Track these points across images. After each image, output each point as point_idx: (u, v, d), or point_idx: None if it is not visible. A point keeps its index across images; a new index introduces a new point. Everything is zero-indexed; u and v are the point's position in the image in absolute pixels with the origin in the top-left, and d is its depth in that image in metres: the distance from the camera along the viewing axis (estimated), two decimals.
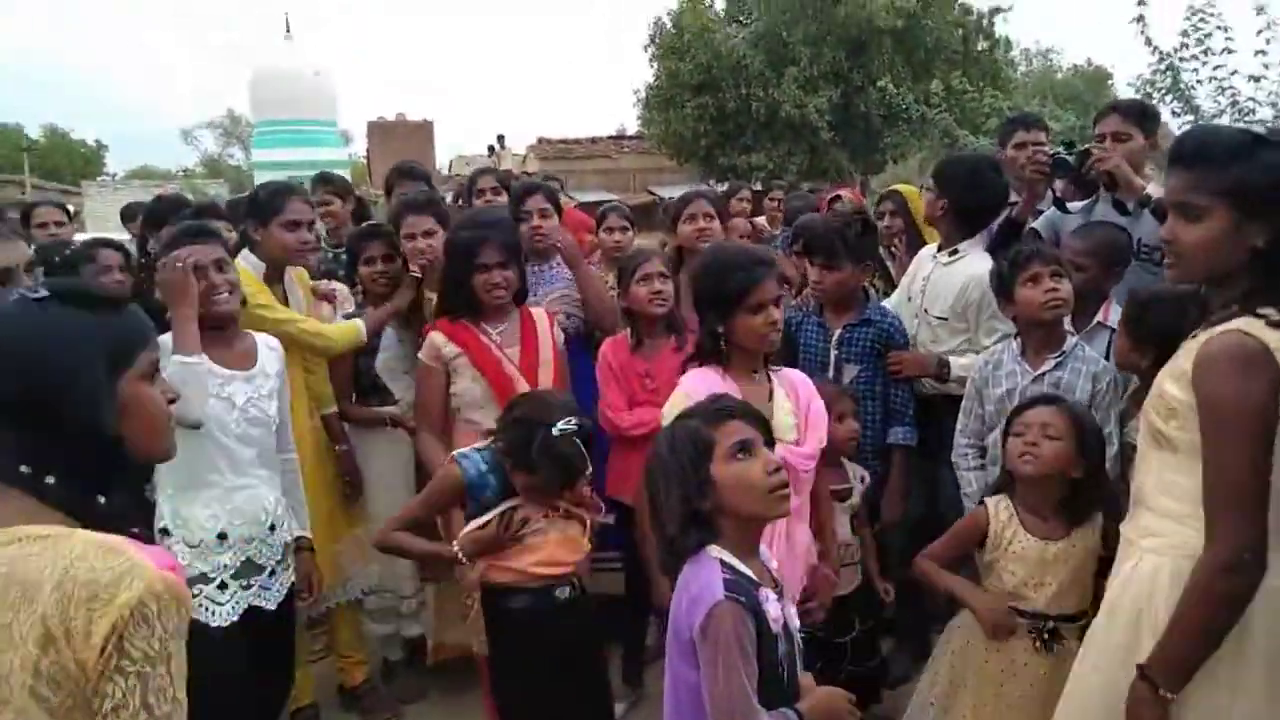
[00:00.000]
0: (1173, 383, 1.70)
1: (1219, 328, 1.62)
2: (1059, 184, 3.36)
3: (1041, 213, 3.43)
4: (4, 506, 1.14)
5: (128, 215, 5.81)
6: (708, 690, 1.61)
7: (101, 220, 18.63)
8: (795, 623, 1.82)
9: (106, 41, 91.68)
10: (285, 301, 3.20)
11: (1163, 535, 1.72)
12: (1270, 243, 1.60)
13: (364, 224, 4.18)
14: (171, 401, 1.33)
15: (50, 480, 1.15)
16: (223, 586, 2.48)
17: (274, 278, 3.16)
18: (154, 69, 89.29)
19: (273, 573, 2.60)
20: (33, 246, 3.28)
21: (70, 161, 45.59)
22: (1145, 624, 1.70)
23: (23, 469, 1.15)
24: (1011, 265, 2.76)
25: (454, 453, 2.42)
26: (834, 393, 2.82)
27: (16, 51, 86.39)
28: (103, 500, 1.20)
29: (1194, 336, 1.70)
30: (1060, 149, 3.21)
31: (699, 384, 2.36)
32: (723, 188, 7.60)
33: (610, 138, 26.63)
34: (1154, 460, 1.77)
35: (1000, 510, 2.44)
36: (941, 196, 3.26)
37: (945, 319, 3.19)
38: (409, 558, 2.81)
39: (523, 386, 2.86)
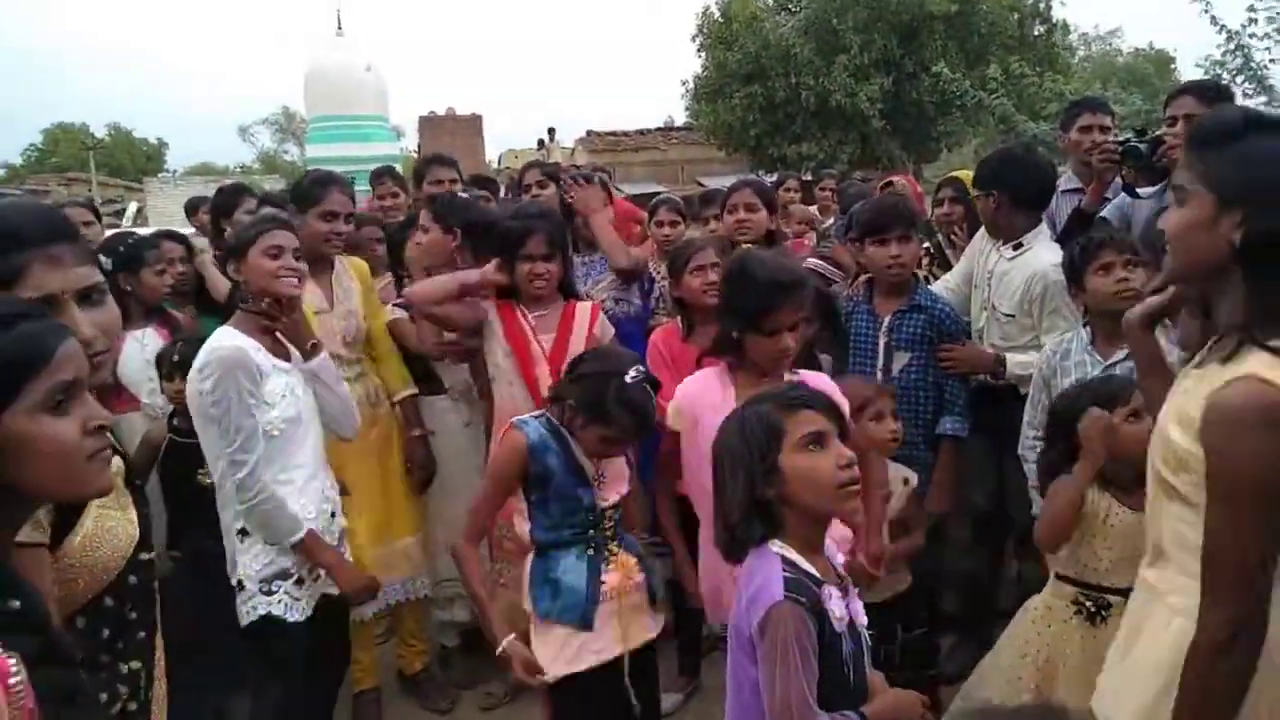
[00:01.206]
0: (1180, 431, 1.47)
1: (1230, 370, 1.40)
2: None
3: (1109, 200, 3.32)
4: None
5: (191, 209, 5.96)
6: (766, 691, 1.58)
7: (163, 215, 19.12)
8: (862, 620, 1.77)
9: (166, 41, 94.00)
10: (332, 294, 3.22)
11: (1189, 595, 1.49)
12: (1246, 241, 1.38)
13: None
14: (101, 429, 1.18)
15: None
16: (299, 582, 2.49)
17: (315, 269, 3.14)
18: (211, 67, 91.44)
19: None
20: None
21: (133, 159, 46.87)
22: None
23: None
24: (1083, 253, 2.67)
25: (511, 420, 2.41)
26: (872, 391, 2.71)
27: (81, 52, 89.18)
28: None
29: (1199, 364, 1.51)
30: (1130, 136, 3.10)
31: (698, 390, 2.48)
32: (772, 178, 7.51)
33: (658, 130, 26.54)
34: (1166, 510, 1.56)
35: (1100, 492, 2.30)
36: (992, 194, 3.17)
37: (1013, 316, 3.11)
38: (466, 591, 2.64)
39: (544, 371, 2.90)
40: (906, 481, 2.84)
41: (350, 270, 3.34)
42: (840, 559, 1.84)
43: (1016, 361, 3.02)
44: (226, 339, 2.44)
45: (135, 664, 1.67)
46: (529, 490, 2.34)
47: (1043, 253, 3.08)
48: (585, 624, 2.29)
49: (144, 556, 1.72)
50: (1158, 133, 3.04)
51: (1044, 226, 3.20)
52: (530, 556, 2.38)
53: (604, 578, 2.32)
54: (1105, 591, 2.30)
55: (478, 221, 3.28)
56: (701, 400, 2.45)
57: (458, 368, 3.36)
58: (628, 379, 2.24)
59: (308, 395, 2.59)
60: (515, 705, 3.36)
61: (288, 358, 2.58)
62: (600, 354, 2.47)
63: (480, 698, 3.45)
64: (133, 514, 1.69)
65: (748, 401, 1.84)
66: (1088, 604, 2.32)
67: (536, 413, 2.41)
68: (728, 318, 2.45)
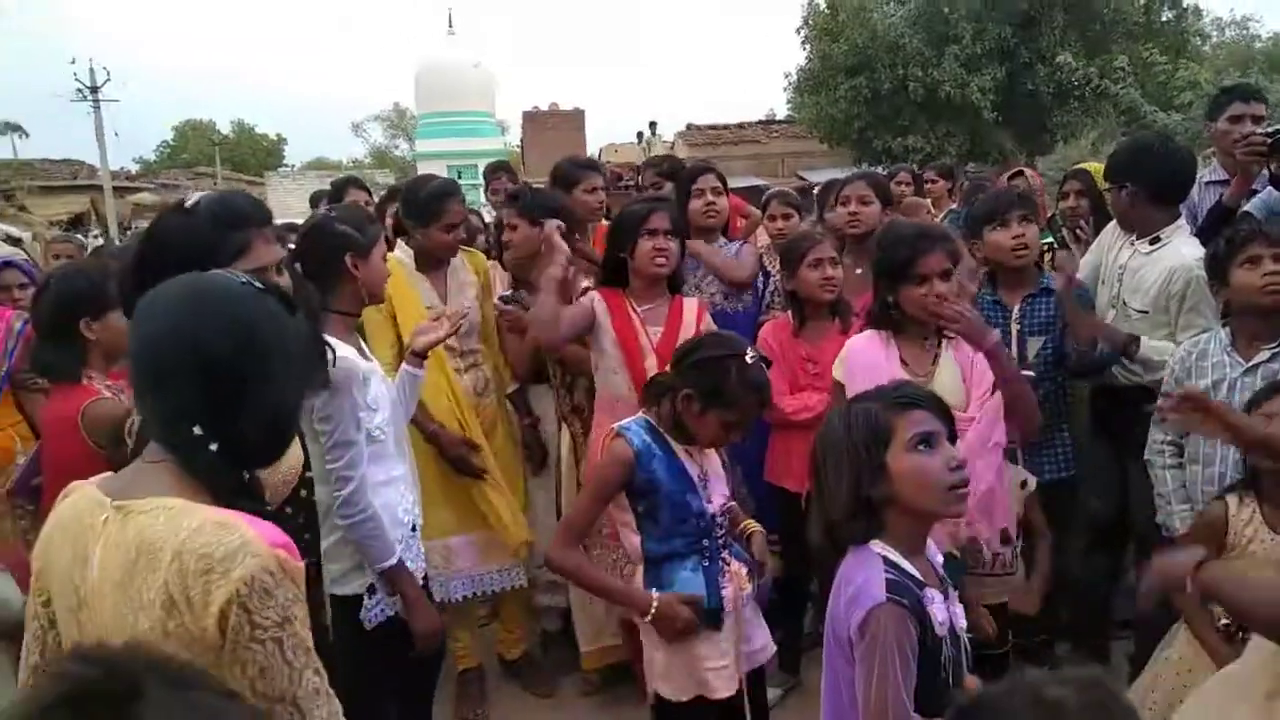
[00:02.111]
0: None
1: None
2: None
3: (1255, 193, 3.11)
4: (152, 476, 1.22)
5: (314, 202, 6.22)
6: (862, 693, 1.54)
7: (283, 207, 19.99)
8: (962, 624, 1.72)
9: (285, 41, 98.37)
10: (445, 288, 3.28)
11: None
12: None
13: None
14: None
15: (213, 447, 1.21)
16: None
17: (427, 267, 3.25)
18: (326, 66, 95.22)
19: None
20: None
21: (254, 154, 49.23)
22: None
23: (195, 430, 1.20)
24: (1229, 245, 2.52)
25: (613, 426, 2.35)
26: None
27: (208, 53, 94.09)
28: (246, 477, 1.28)
29: None
30: (1279, 128, 2.91)
31: (860, 347, 2.57)
32: (879, 171, 7.34)
33: (759, 123, 26.30)
34: None
35: (1241, 509, 2.22)
36: (1127, 186, 3.01)
37: (1146, 312, 2.96)
38: (587, 589, 2.56)
39: (653, 363, 2.85)
40: (1024, 485, 2.73)
41: (468, 264, 3.40)
42: (940, 558, 1.78)
43: (1152, 346, 2.87)
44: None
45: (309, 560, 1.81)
46: (635, 500, 2.27)
47: (1182, 247, 2.93)
48: (714, 623, 2.24)
49: (308, 474, 2.08)
50: None
51: (1183, 221, 3.03)
52: (640, 571, 2.31)
53: (723, 589, 2.27)
54: None
55: (565, 210, 3.31)
56: (865, 356, 2.54)
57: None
58: (748, 359, 2.20)
59: (391, 389, 2.52)
60: (613, 692, 3.39)
61: (368, 356, 2.52)
62: (714, 338, 2.40)
63: (580, 683, 3.50)
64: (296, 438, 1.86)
65: (856, 397, 1.79)
66: (1229, 624, 2.19)
67: (636, 418, 2.33)
68: (882, 282, 2.56)
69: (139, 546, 1.15)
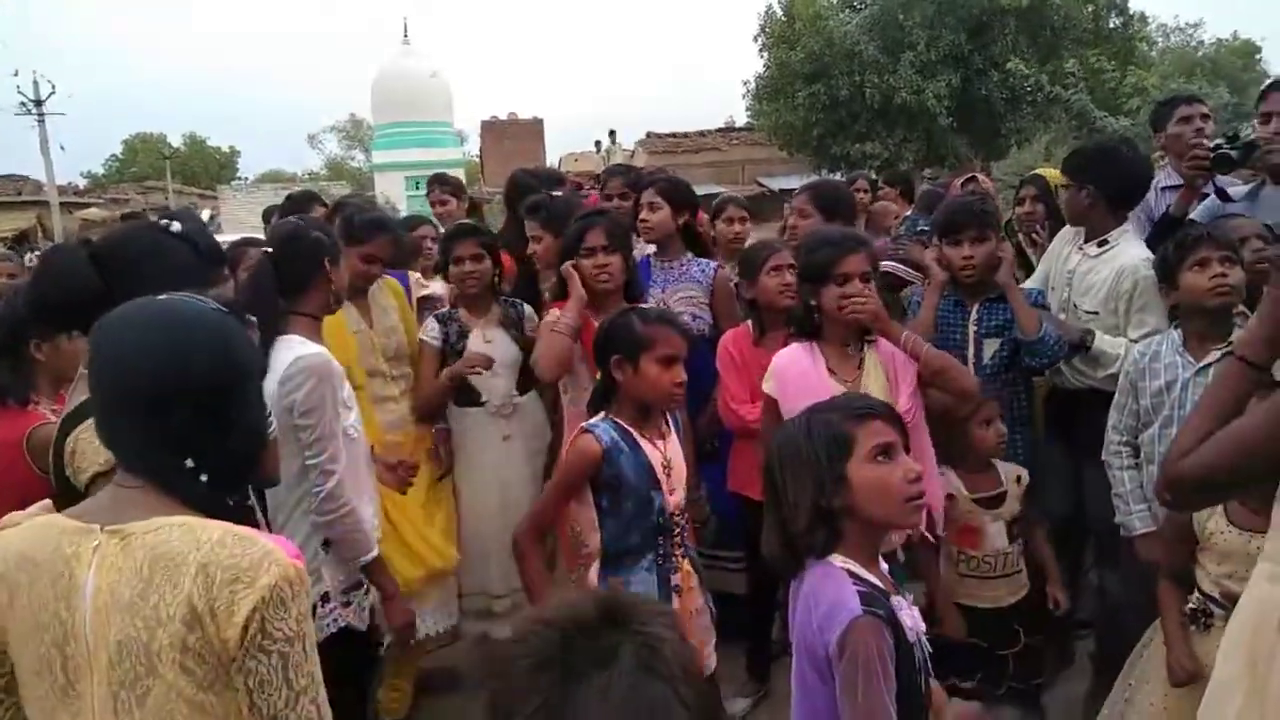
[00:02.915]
0: None
1: None
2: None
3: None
4: (140, 500, 1.22)
5: (266, 217, 6.12)
6: (847, 708, 1.53)
7: (237, 221, 19.69)
8: (922, 627, 1.73)
9: (236, 51, 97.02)
10: (370, 313, 3.23)
11: (1275, 560, 1.53)
12: None
13: (456, 224, 4.21)
14: None
15: (203, 477, 1.23)
16: (368, 590, 2.48)
17: (353, 290, 3.10)
18: (281, 77, 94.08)
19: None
20: None
21: (207, 167, 48.50)
22: (1260, 668, 1.50)
23: (187, 463, 1.22)
24: (1178, 249, 2.57)
25: (581, 424, 2.39)
26: (979, 399, 2.76)
27: (159, 65, 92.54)
28: (230, 502, 1.31)
29: None
30: (1222, 140, 2.98)
31: (788, 360, 2.61)
32: (835, 178, 7.41)
33: (719, 130, 26.47)
34: None
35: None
36: (1085, 186, 3.06)
37: (1096, 313, 3.01)
38: (525, 580, 2.50)
39: None
40: (1019, 480, 2.81)
41: (386, 289, 3.37)
42: (886, 566, 1.80)
43: (1106, 340, 2.92)
44: (306, 348, 2.36)
45: None
46: (599, 496, 2.31)
47: (1130, 249, 2.99)
48: None
49: None
50: (1250, 137, 2.91)
51: (1130, 225, 3.09)
52: (596, 567, 2.34)
53: (673, 597, 2.29)
54: (1214, 603, 2.23)
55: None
56: (794, 368, 2.58)
57: (496, 380, 3.33)
58: (643, 307, 2.38)
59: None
60: None
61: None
62: (608, 321, 2.47)
63: None
64: None
65: (813, 408, 1.79)
66: (1195, 609, 2.26)
67: (601, 417, 2.36)
68: (804, 286, 2.62)
69: (153, 564, 1.15)
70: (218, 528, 1.19)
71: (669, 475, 2.34)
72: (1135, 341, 2.89)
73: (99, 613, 1.16)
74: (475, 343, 3.33)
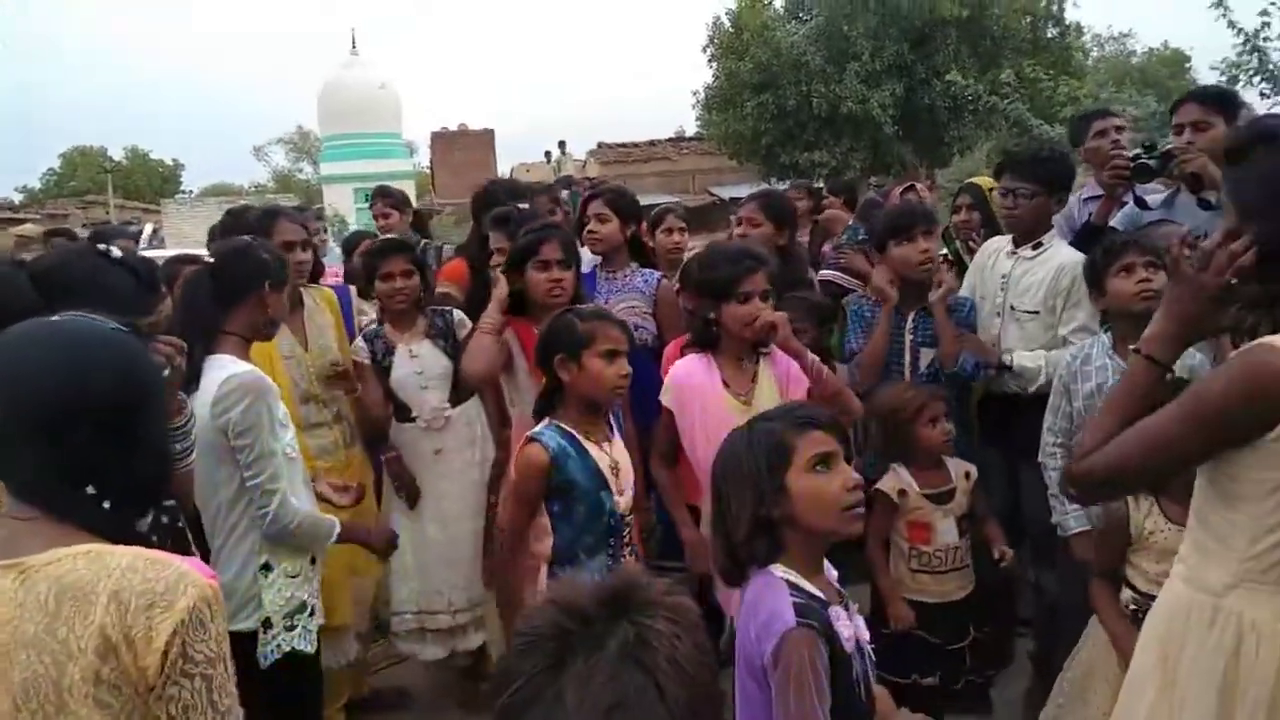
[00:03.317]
0: None
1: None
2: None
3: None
4: (34, 533, 1.15)
5: (212, 237, 6.00)
6: (780, 719, 1.55)
7: (180, 236, 19.28)
8: (865, 637, 1.75)
9: (180, 63, 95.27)
10: (305, 333, 3.18)
11: (1189, 561, 1.59)
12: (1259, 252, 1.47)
13: (380, 239, 4.17)
14: None
15: (105, 504, 1.18)
16: (312, 613, 2.45)
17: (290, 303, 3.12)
18: (226, 88, 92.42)
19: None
20: None
21: (149, 181, 47.39)
22: (1170, 663, 1.56)
23: (88, 490, 1.17)
24: (1105, 255, 2.65)
25: (526, 434, 2.39)
26: (926, 397, 2.82)
27: (98, 77, 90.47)
28: (144, 521, 1.28)
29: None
30: (1140, 151, 3.08)
31: (685, 372, 2.65)
32: (783, 186, 7.50)
33: (669, 140, 26.62)
34: (1199, 483, 1.63)
35: (1139, 505, 2.33)
36: (1027, 187, 3.11)
37: (1037, 313, 3.09)
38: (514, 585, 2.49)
39: None
40: (968, 475, 2.87)
41: (322, 303, 3.32)
42: (835, 573, 1.81)
43: (1024, 355, 3.02)
44: (238, 366, 2.33)
45: None
46: (550, 501, 2.33)
47: (1064, 249, 3.10)
48: None
49: (169, 503, 1.98)
50: (1167, 146, 3.01)
51: (1060, 232, 3.20)
52: (544, 573, 2.35)
53: None
54: (1150, 599, 2.27)
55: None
56: (690, 380, 2.63)
57: (425, 394, 3.31)
58: (579, 306, 2.44)
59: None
60: None
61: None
62: (547, 323, 2.50)
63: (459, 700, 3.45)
64: None
65: (755, 418, 1.82)
66: (1135, 610, 2.31)
67: (546, 424, 2.37)
68: (702, 302, 2.65)
69: (59, 596, 1.10)
70: (126, 553, 1.15)
71: (617, 476, 2.37)
72: (1066, 337, 2.97)
73: (1, 652, 1.10)
74: (402, 358, 3.30)
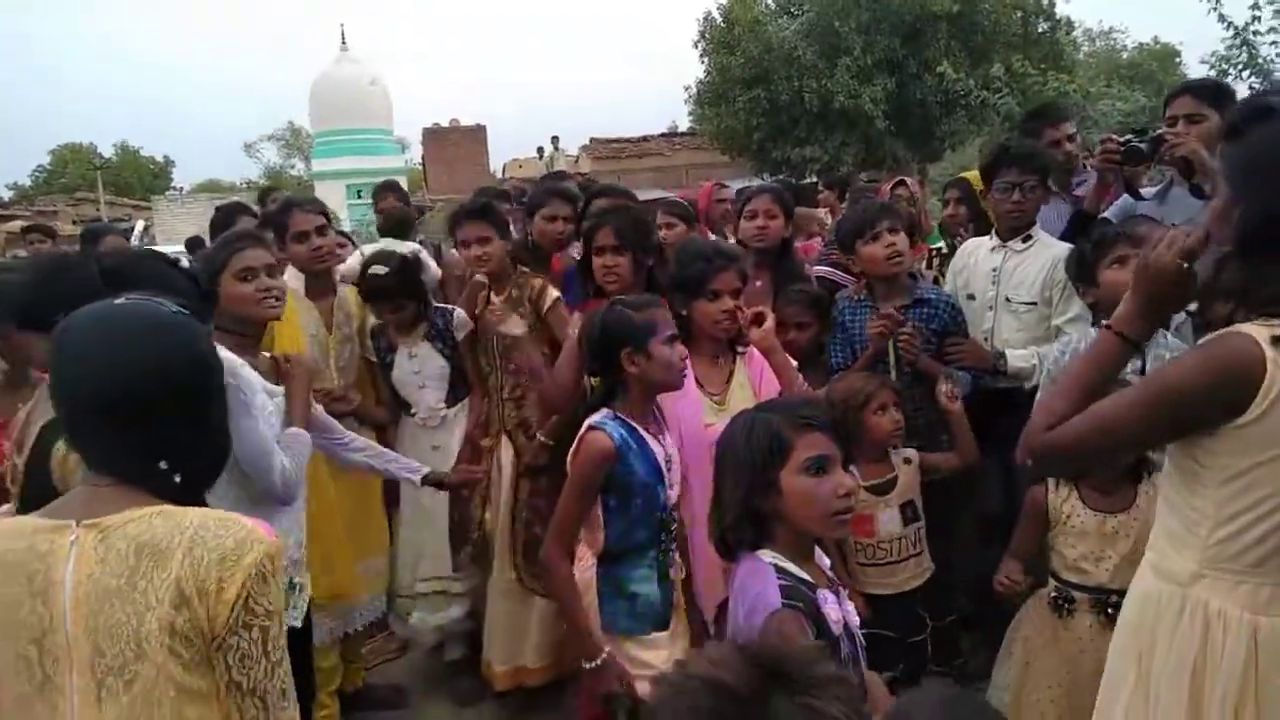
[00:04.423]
0: None
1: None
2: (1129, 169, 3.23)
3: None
4: (113, 497, 1.25)
5: (213, 233, 5.99)
6: None
7: (171, 232, 19.22)
8: (855, 621, 1.77)
9: (172, 59, 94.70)
10: (332, 318, 3.24)
11: (1159, 550, 1.60)
12: (1242, 229, 1.45)
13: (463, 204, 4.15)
14: None
15: (176, 479, 1.28)
16: (301, 590, 2.46)
17: (317, 292, 3.22)
18: (217, 85, 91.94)
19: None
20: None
21: (140, 177, 47.11)
22: (1144, 659, 1.57)
23: (161, 465, 1.26)
24: (1096, 248, 2.66)
25: (587, 422, 2.29)
26: (874, 385, 2.79)
27: (88, 72, 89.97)
28: (205, 496, 1.36)
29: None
30: (1131, 136, 3.09)
31: None
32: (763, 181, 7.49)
33: (662, 135, 26.62)
34: (1166, 473, 1.64)
35: (1059, 487, 2.43)
36: (1032, 178, 3.13)
37: (1034, 304, 3.10)
38: (560, 601, 2.41)
39: None
40: (908, 461, 2.86)
41: (352, 300, 3.37)
42: (827, 561, 1.85)
43: (1017, 355, 3.03)
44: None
45: None
46: (606, 495, 2.26)
47: (1053, 242, 3.13)
48: (662, 625, 2.29)
49: None
50: (1158, 131, 3.02)
51: (1043, 225, 3.24)
52: (594, 569, 2.28)
53: (671, 590, 2.32)
54: (1072, 587, 2.42)
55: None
56: None
57: (423, 392, 3.39)
58: (622, 298, 2.40)
59: (278, 427, 2.45)
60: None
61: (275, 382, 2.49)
62: (597, 320, 2.41)
63: (453, 698, 3.47)
64: None
65: (760, 406, 1.84)
66: (1056, 596, 2.44)
67: (605, 413, 2.28)
68: (676, 297, 2.60)
69: (138, 552, 1.19)
70: (196, 512, 1.24)
71: (669, 470, 2.31)
72: (1060, 326, 3.00)
73: (79, 604, 1.19)
74: (401, 359, 3.38)
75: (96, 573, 1.19)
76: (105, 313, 1.29)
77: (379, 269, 3.28)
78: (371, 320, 3.45)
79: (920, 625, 2.78)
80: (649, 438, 2.27)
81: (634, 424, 2.25)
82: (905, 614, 2.74)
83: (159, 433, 1.26)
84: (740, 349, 2.66)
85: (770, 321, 2.63)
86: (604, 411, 2.28)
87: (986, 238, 3.34)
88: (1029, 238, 3.15)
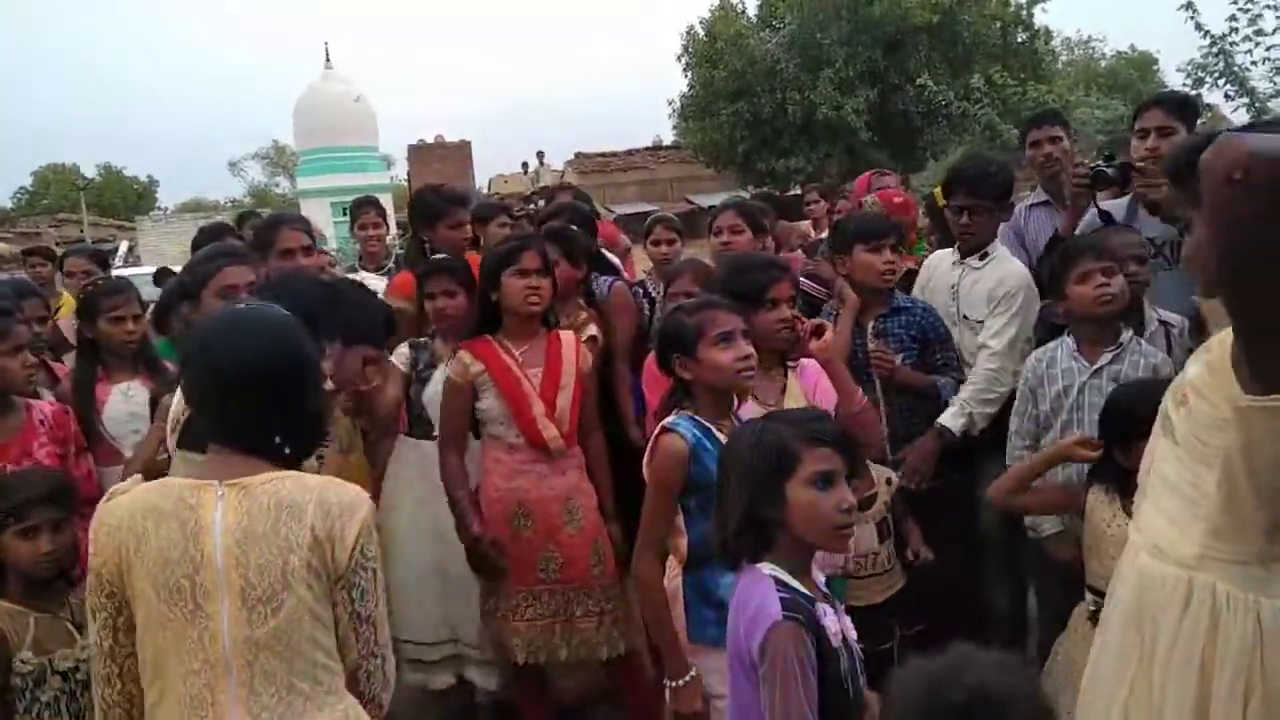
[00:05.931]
0: (1198, 367, 1.53)
1: None
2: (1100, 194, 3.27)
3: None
4: (240, 462, 1.54)
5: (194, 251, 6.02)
6: (767, 712, 1.58)
7: (155, 253, 19.15)
8: (852, 635, 1.79)
9: (155, 79, 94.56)
10: None
11: (1155, 531, 1.59)
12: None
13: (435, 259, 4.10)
14: None
15: (286, 450, 1.57)
16: None
17: None
18: (200, 104, 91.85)
19: None
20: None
21: (124, 198, 46.95)
22: (1145, 635, 1.57)
23: (276, 439, 1.55)
24: (1063, 262, 2.71)
25: (662, 424, 2.26)
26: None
27: (71, 93, 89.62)
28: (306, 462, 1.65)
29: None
30: (1100, 163, 3.15)
31: None
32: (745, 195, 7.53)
33: (647, 149, 26.74)
34: (1158, 448, 1.63)
35: (1105, 500, 2.37)
36: (980, 203, 3.17)
37: (983, 322, 3.14)
38: (647, 608, 2.36)
39: (539, 407, 2.83)
40: (889, 482, 2.86)
41: None
42: (822, 577, 1.85)
43: (950, 418, 3.02)
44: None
45: None
46: (685, 499, 2.22)
47: (1008, 259, 3.17)
48: None
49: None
50: (1123, 161, 3.08)
51: (1003, 241, 3.28)
52: (679, 574, 2.24)
53: None
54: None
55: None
56: None
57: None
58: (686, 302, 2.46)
59: None
60: None
61: None
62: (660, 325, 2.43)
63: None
64: None
65: (768, 417, 1.85)
66: (1095, 610, 2.34)
67: (678, 414, 2.25)
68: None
69: (278, 506, 1.48)
70: (315, 478, 1.56)
71: None
72: (983, 343, 3.03)
73: (230, 548, 1.47)
74: (439, 376, 3.12)
75: (245, 521, 1.47)
76: (246, 314, 1.64)
77: None
78: None
79: (887, 635, 2.78)
80: (722, 437, 2.21)
81: (707, 424, 2.22)
82: (873, 624, 2.69)
83: (276, 412, 1.55)
84: (790, 362, 2.62)
85: (829, 334, 2.60)
86: (677, 411, 2.26)
87: (949, 251, 3.36)
88: (985, 255, 3.18)
